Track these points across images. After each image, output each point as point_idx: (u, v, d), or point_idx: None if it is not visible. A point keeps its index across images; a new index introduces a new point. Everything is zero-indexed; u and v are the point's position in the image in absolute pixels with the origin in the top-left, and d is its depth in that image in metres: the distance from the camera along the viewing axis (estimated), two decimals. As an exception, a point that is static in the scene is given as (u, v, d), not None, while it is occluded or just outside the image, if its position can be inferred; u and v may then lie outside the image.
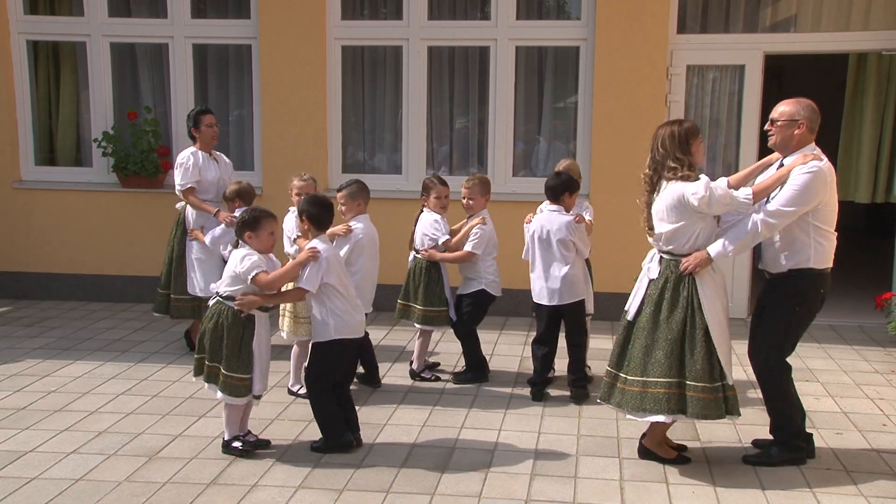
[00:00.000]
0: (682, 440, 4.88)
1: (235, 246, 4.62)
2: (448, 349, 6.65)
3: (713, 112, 7.70)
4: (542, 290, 5.59)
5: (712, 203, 4.31)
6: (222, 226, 6.31)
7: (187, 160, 6.43)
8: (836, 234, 4.51)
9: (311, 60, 7.86)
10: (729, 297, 4.69)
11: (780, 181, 4.37)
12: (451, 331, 6.11)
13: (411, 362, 6.13)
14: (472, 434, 5.06)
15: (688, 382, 4.36)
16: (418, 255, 5.97)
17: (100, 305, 8.18)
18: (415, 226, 6.04)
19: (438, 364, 6.33)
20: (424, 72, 7.94)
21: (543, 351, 5.69)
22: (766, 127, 4.57)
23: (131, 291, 8.28)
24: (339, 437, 4.73)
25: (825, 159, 4.44)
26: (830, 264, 4.51)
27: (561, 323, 5.72)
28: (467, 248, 5.86)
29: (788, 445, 4.62)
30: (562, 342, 5.79)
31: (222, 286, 4.57)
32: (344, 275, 4.70)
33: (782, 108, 4.48)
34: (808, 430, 4.74)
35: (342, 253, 5.43)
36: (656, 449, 4.65)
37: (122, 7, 8.30)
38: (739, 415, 4.52)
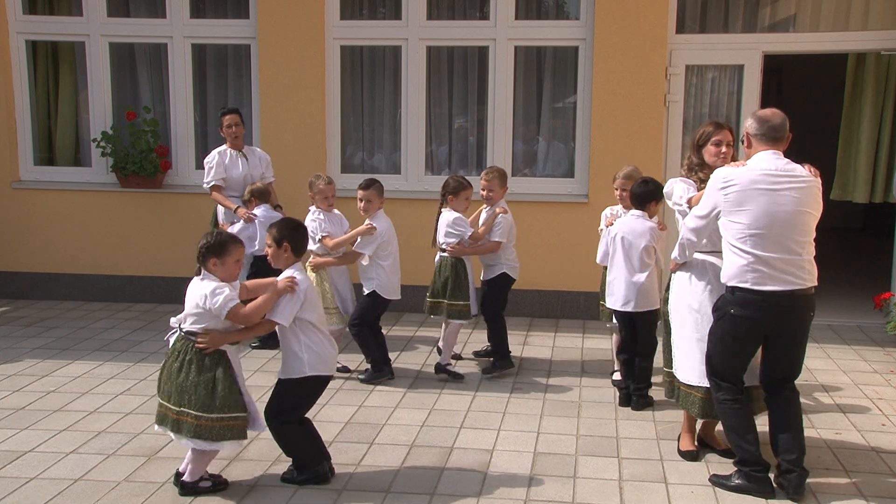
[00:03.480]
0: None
1: (198, 274, 4.16)
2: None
3: (712, 112, 7.70)
4: (618, 295, 5.52)
5: (670, 197, 4.70)
6: (241, 223, 6.60)
7: (213, 159, 6.90)
8: (758, 256, 4.05)
9: (310, 60, 7.86)
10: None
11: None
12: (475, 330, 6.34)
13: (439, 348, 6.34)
14: (472, 434, 5.06)
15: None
16: (444, 254, 6.06)
17: (99, 305, 8.18)
18: (436, 224, 6.15)
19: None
20: (423, 72, 7.94)
21: (626, 356, 5.61)
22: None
23: (130, 291, 8.29)
24: (315, 466, 4.35)
25: (753, 166, 4.14)
26: (742, 284, 4.10)
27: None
28: (494, 238, 6.06)
29: (746, 474, 4.28)
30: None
31: (187, 322, 4.13)
32: (319, 307, 4.39)
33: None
34: (801, 468, 4.23)
35: (368, 250, 5.80)
36: (681, 436, 4.84)
37: (121, 7, 8.29)
38: (689, 410, 4.64)
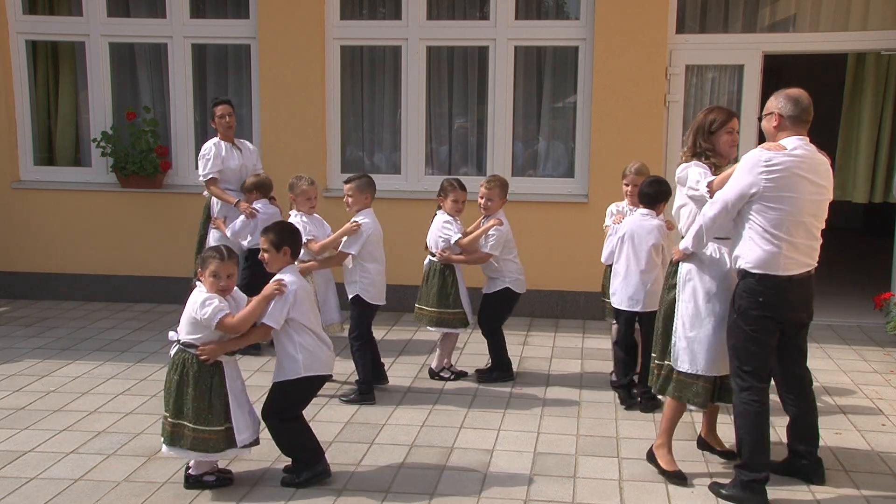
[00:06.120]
0: (681, 439, 4.86)
1: (194, 286, 4.25)
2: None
3: (712, 112, 7.70)
4: (624, 294, 5.45)
5: (683, 182, 4.41)
6: (242, 217, 6.48)
7: (208, 151, 6.69)
8: (791, 242, 4.01)
9: (310, 60, 7.86)
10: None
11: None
12: (473, 334, 6.14)
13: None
14: (472, 434, 5.06)
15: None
16: (433, 258, 5.92)
17: (99, 305, 8.18)
18: (431, 227, 6.02)
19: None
20: (423, 72, 7.94)
21: (624, 356, 5.58)
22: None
23: (130, 291, 8.29)
24: (315, 464, 4.34)
25: (790, 151, 3.99)
26: (772, 271, 4.02)
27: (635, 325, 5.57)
28: (485, 250, 5.87)
29: (744, 484, 4.16)
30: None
31: (183, 333, 4.17)
32: (312, 308, 4.38)
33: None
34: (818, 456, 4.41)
35: (354, 249, 5.48)
36: (657, 454, 4.55)
37: (121, 7, 8.30)
38: (690, 401, 4.41)
